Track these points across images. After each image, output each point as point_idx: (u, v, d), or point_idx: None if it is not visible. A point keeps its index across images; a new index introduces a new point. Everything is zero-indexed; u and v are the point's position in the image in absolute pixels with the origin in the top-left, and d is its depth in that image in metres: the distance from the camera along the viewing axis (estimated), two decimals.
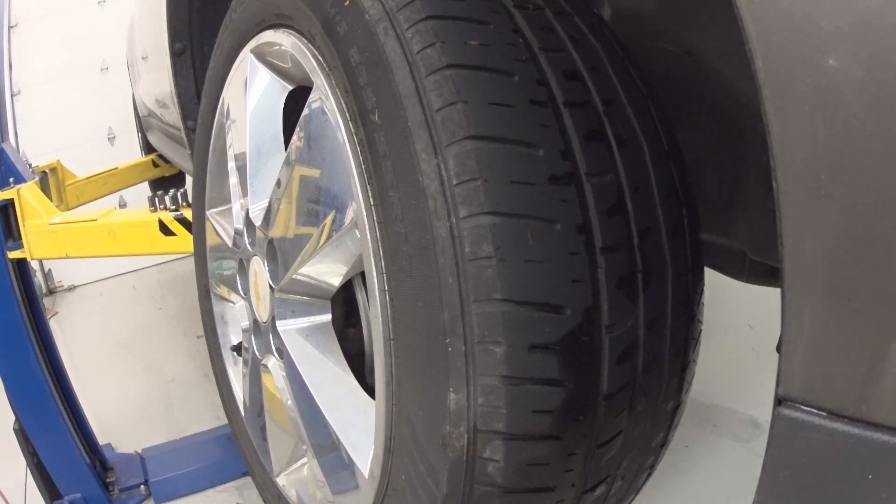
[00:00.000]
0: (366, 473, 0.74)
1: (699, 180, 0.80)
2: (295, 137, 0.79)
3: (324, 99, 0.70)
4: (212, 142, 1.08)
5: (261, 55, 0.89)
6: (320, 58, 0.71)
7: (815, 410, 0.34)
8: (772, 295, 0.58)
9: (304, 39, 0.75)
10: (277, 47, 0.82)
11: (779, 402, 0.36)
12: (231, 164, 1.03)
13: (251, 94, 0.93)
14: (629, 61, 0.66)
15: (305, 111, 0.76)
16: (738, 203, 0.78)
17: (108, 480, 1.58)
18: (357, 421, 0.78)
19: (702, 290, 0.66)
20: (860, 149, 0.30)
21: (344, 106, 0.66)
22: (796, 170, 0.32)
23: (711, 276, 0.97)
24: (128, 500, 1.59)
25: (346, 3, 0.63)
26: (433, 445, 0.59)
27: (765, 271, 0.91)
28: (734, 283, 0.98)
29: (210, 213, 1.15)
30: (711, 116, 0.76)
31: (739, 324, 1.91)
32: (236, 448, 1.65)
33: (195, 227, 1.22)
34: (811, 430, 0.34)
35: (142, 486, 1.60)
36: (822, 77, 0.30)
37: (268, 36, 0.84)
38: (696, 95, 0.76)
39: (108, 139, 3.70)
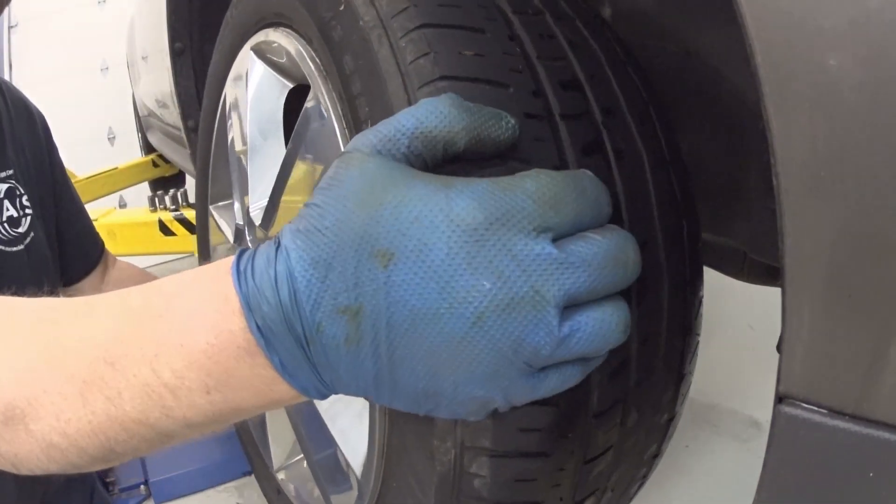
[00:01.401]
0: (359, 475, 0.74)
1: (699, 180, 0.80)
2: (293, 137, 0.79)
3: (321, 103, 0.69)
4: (214, 138, 1.09)
5: (261, 53, 0.89)
6: (318, 61, 0.70)
7: (815, 408, 0.34)
8: (772, 295, 0.58)
9: (302, 41, 0.74)
10: (276, 46, 0.82)
11: (779, 399, 0.36)
12: (232, 162, 1.03)
13: (252, 91, 0.93)
14: (631, 65, 0.65)
15: (303, 113, 0.75)
16: (738, 202, 0.79)
17: (108, 480, 1.58)
18: (353, 423, 0.77)
19: (700, 302, 0.65)
20: (860, 147, 0.30)
21: (340, 113, 0.65)
22: (796, 168, 0.32)
23: (711, 276, 0.97)
24: (128, 501, 1.59)
25: (342, 7, 0.61)
26: (421, 457, 0.59)
27: (765, 271, 0.92)
28: (734, 283, 0.98)
29: (212, 208, 1.15)
30: (712, 116, 0.76)
31: (739, 324, 1.91)
32: (236, 448, 1.64)
33: (199, 222, 1.22)
34: (812, 427, 0.35)
35: (142, 486, 1.60)
36: (823, 76, 0.31)
37: (267, 34, 0.84)
38: (697, 95, 0.76)
39: (108, 139, 3.70)
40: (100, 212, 2.24)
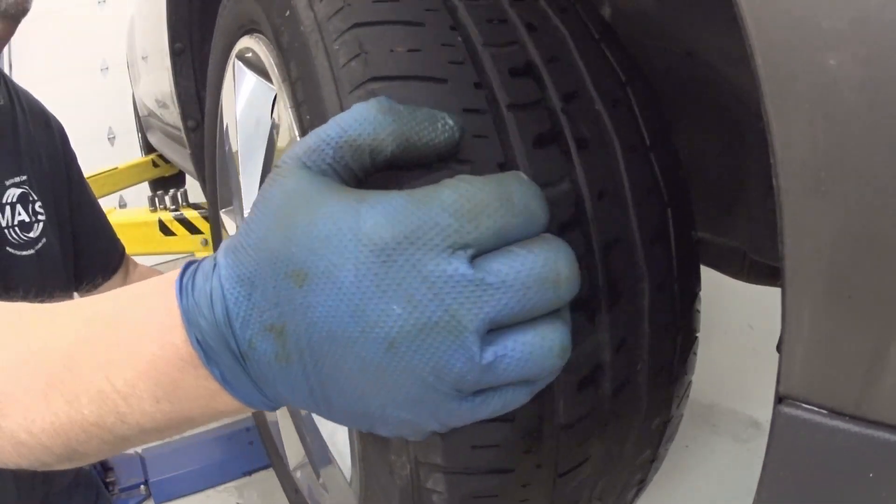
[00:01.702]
0: (348, 478, 0.74)
1: (699, 180, 0.80)
2: (268, 145, 0.78)
3: (285, 111, 0.68)
4: (217, 142, 1.09)
5: (245, 59, 0.88)
6: (280, 68, 0.68)
7: (815, 408, 0.34)
8: (772, 295, 0.58)
9: (270, 46, 0.72)
10: (253, 53, 0.80)
11: (779, 400, 0.36)
12: (231, 167, 1.04)
13: (240, 96, 0.92)
14: (608, 43, 0.59)
15: (272, 121, 0.73)
16: (738, 203, 0.79)
17: (108, 480, 1.58)
18: (340, 428, 0.77)
19: (696, 296, 0.60)
20: (860, 147, 0.30)
21: (295, 121, 0.63)
22: (796, 168, 0.32)
23: (712, 276, 0.97)
24: (128, 501, 1.59)
25: (287, 13, 0.59)
26: (384, 471, 0.58)
27: (765, 271, 0.92)
28: (734, 283, 0.98)
29: (222, 213, 1.16)
30: (711, 116, 0.76)
31: (739, 324, 1.91)
32: (236, 448, 1.65)
33: (212, 226, 1.23)
34: (812, 428, 0.35)
35: (142, 486, 1.60)
36: (823, 76, 0.31)
37: (247, 41, 0.82)
38: (696, 95, 0.76)
39: (108, 139, 3.70)
40: None
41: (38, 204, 1.08)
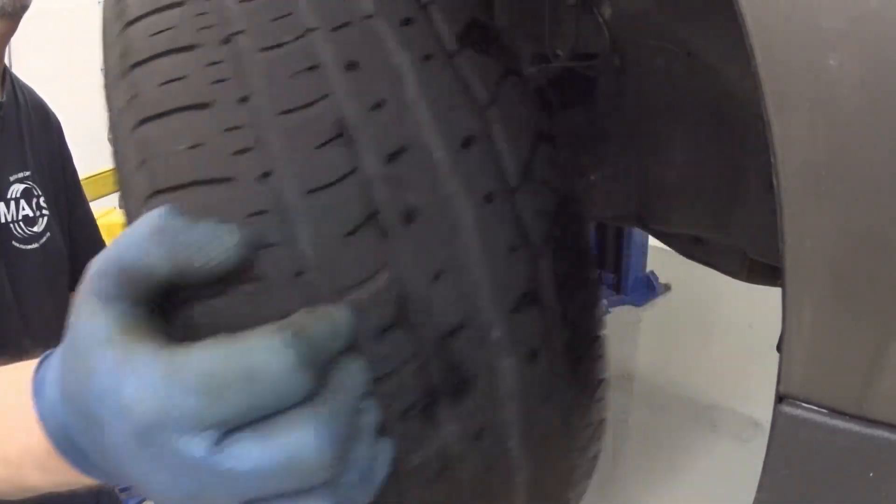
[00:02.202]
0: None
1: (699, 180, 0.80)
2: None
3: None
4: None
5: None
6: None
7: (815, 408, 0.35)
8: (772, 295, 0.58)
9: None
10: None
11: (779, 399, 0.36)
12: None
13: None
14: (469, 53, 0.46)
15: None
16: (738, 202, 0.79)
17: None
18: None
19: (597, 338, 0.49)
20: (860, 147, 0.31)
21: None
22: (796, 168, 0.32)
23: (712, 276, 0.97)
24: (128, 501, 1.58)
25: (106, 91, 0.52)
26: None
27: (765, 271, 0.92)
28: (734, 282, 0.98)
29: None
30: (711, 116, 0.76)
31: (739, 324, 1.92)
32: None
33: None
34: (812, 427, 0.35)
35: None
36: (823, 75, 0.31)
37: None
38: (697, 95, 0.76)
39: (109, 139, 3.71)
40: (100, 212, 2.24)
41: (41, 199, 1.09)
